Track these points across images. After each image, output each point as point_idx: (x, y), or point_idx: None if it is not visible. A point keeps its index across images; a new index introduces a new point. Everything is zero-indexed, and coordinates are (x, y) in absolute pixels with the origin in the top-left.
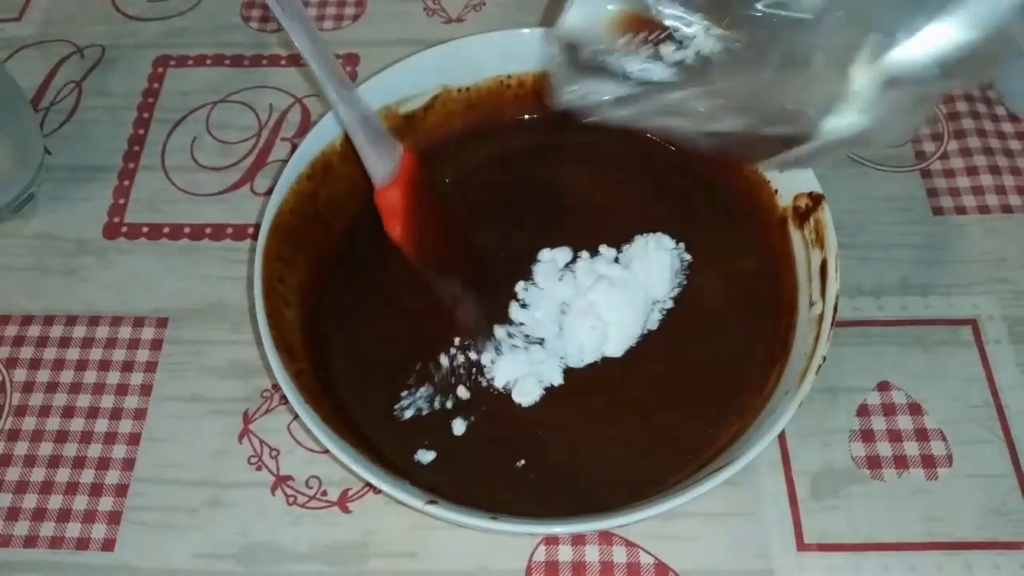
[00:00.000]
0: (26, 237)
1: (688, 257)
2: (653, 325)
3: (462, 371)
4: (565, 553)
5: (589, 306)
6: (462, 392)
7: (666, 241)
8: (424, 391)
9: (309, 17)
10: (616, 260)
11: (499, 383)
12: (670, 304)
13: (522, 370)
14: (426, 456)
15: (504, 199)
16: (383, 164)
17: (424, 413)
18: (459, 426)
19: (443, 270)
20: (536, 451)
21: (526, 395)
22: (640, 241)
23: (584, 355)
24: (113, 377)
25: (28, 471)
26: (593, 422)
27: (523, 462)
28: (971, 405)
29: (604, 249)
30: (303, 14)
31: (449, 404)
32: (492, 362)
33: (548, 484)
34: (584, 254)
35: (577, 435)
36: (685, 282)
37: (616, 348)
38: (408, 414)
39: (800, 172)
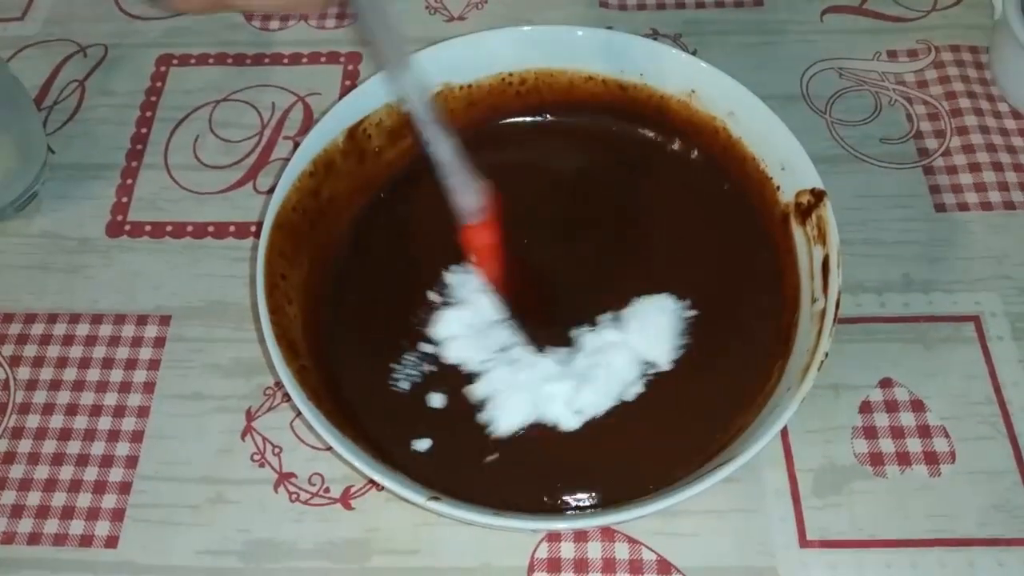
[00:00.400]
0: (30, 235)
1: (692, 313)
2: (630, 396)
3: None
4: (567, 550)
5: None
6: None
7: (668, 304)
8: (411, 358)
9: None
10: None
11: (440, 335)
12: (667, 367)
13: (457, 331)
14: (422, 444)
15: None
16: (473, 200)
17: (418, 382)
18: (437, 400)
19: (518, 297)
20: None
21: (455, 353)
22: (640, 304)
23: (498, 423)
24: (116, 375)
25: (32, 468)
26: (596, 418)
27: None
28: (974, 402)
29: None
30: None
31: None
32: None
33: (551, 480)
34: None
35: (581, 432)
36: (690, 342)
37: (570, 422)
38: (403, 385)
39: (802, 169)
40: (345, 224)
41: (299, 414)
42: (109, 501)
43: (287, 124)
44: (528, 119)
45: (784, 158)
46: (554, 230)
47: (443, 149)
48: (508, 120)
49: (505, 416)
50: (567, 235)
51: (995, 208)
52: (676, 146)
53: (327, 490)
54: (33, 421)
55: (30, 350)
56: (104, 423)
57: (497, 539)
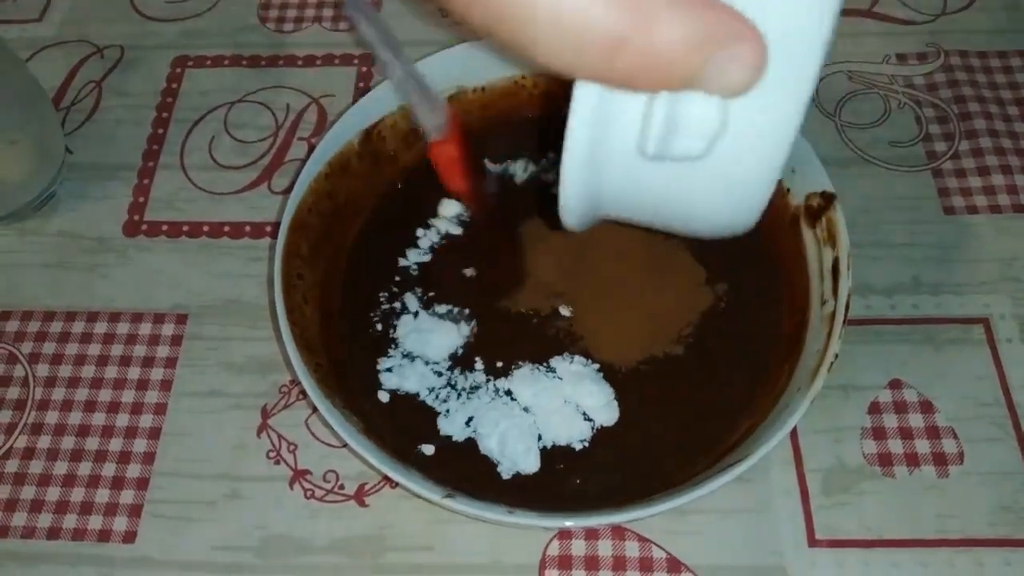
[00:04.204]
0: (48, 235)
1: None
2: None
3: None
4: (578, 547)
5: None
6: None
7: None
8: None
9: None
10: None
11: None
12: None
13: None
14: (428, 449)
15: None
16: (435, 117)
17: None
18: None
19: (491, 215)
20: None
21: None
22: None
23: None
24: (134, 372)
25: (51, 464)
26: (629, 418)
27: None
28: (982, 403)
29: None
30: None
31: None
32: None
33: (565, 478)
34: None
35: (612, 432)
36: (700, 343)
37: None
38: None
39: (812, 172)
40: (361, 224)
41: (314, 411)
42: (127, 497)
43: (301, 126)
44: (541, 121)
45: (794, 161)
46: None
47: (400, 68)
48: (521, 122)
49: (527, 458)
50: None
51: (1004, 211)
52: None
53: (341, 487)
54: (52, 417)
55: (49, 348)
56: (122, 420)
57: (509, 536)
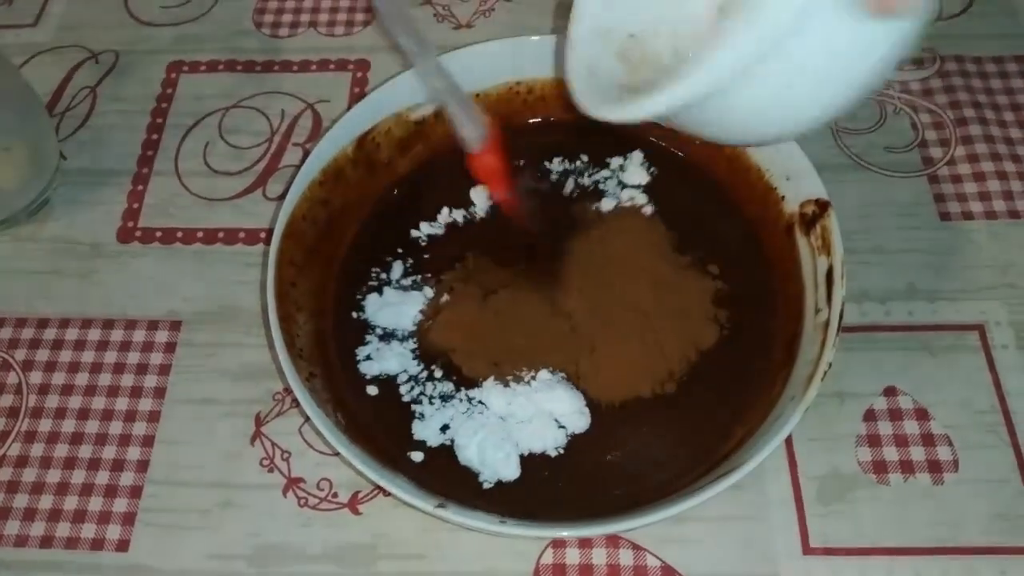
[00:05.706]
0: (42, 241)
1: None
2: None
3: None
4: (572, 556)
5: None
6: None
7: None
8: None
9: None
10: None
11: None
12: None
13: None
14: (416, 456)
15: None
16: (476, 129)
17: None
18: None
19: (532, 219)
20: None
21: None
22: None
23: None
24: (127, 380)
25: (44, 472)
26: (604, 425)
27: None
28: (978, 410)
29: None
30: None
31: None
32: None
33: (558, 487)
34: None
35: (588, 437)
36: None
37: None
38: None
39: (806, 179)
40: (354, 233)
41: (307, 419)
42: (120, 505)
43: (296, 131)
44: (535, 127)
45: (789, 168)
46: (556, 232)
47: (439, 80)
48: (516, 128)
49: (508, 465)
50: (570, 235)
51: (1000, 217)
52: (681, 154)
53: (335, 495)
54: (45, 425)
55: (42, 355)
56: (115, 427)
57: (503, 545)
